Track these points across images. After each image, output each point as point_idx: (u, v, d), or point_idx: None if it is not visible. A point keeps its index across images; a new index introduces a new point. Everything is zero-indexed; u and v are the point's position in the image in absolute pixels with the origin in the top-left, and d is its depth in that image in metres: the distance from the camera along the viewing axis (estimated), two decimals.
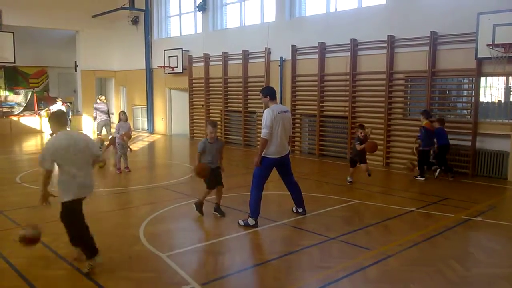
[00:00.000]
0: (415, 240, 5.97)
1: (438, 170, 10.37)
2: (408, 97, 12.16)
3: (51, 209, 7.45)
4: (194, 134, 18.71)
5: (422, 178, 10.18)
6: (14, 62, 19.92)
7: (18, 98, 23.12)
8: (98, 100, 15.40)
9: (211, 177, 6.99)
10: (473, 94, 10.60)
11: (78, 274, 4.77)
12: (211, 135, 6.97)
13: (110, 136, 11.38)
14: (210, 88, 17.68)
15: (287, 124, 6.69)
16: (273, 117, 6.48)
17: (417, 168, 10.35)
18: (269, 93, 6.77)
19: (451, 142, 10.89)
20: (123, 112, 11.12)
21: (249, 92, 15.92)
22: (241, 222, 6.56)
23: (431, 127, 10.19)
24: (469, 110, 10.93)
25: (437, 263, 5.15)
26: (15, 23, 19.39)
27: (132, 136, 12.01)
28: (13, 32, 19.37)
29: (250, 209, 6.53)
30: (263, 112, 6.69)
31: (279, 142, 6.57)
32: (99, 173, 10.91)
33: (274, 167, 6.79)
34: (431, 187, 9.58)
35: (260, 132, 6.75)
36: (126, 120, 10.98)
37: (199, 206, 7.16)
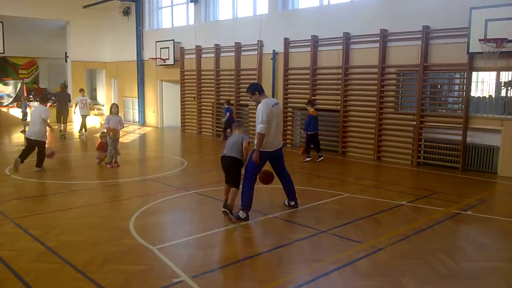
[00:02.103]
0: (405, 233, 6.00)
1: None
2: (400, 91, 12.18)
3: (41, 201, 7.41)
4: (186, 127, 18.64)
5: (309, 159, 11.65)
6: (4, 53, 19.66)
7: (7, 89, 22.86)
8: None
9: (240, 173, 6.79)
10: (464, 89, 10.65)
11: (68, 267, 4.74)
12: None
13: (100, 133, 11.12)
14: (202, 81, 17.60)
15: (280, 117, 6.72)
16: (269, 111, 6.46)
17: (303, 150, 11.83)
18: (257, 88, 6.75)
19: (442, 136, 10.99)
20: (115, 105, 10.71)
21: (241, 85, 15.85)
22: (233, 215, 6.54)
23: (316, 114, 11.78)
24: (460, 105, 10.97)
25: (427, 256, 5.18)
26: (5, 13, 19.10)
27: (123, 129, 11.78)
28: (2, 22, 19.10)
29: (242, 202, 6.52)
30: (256, 106, 6.66)
31: (274, 136, 6.58)
32: (89, 166, 10.85)
33: (267, 161, 6.78)
34: (422, 181, 9.64)
35: (252, 125, 6.71)
36: (117, 113, 10.63)
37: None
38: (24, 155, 9.77)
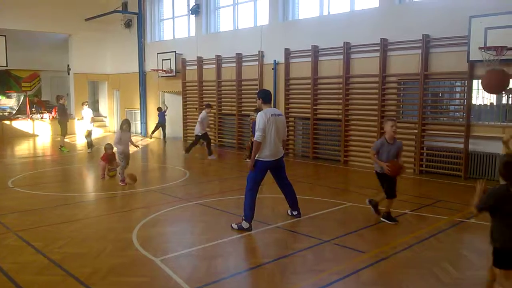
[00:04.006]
0: (408, 242, 5.99)
1: None
2: (401, 100, 12.21)
3: (44, 213, 7.42)
4: (188, 138, 18.68)
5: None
6: (6, 66, 19.79)
7: (10, 102, 22.97)
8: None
9: (391, 184, 6.79)
10: (465, 97, 10.66)
11: (71, 280, 4.74)
12: (391, 134, 6.71)
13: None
14: (204, 91, 17.67)
15: (280, 127, 6.68)
16: (266, 120, 6.48)
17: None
18: (263, 95, 6.79)
19: (444, 144, 10.99)
20: (127, 122, 10.23)
21: (242, 95, 15.92)
22: (235, 226, 6.53)
23: None
24: (462, 113, 10.98)
25: (430, 265, 5.17)
26: (7, 26, 19.27)
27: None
28: (5, 36, 19.25)
29: (244, 213, 6.52)
30: (255, 116, 6.70)
31: (273, 145, 6.56)
32: (92, 178, 10.86)
33: (269, 170, 6.79)
34: (425, 190, 9.62)
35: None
36: (129, 130, 10.15)
37: (375, 205, 7.18)
38: (189, 147, 13.88)
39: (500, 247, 3.76)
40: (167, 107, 19.13)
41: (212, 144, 17.29)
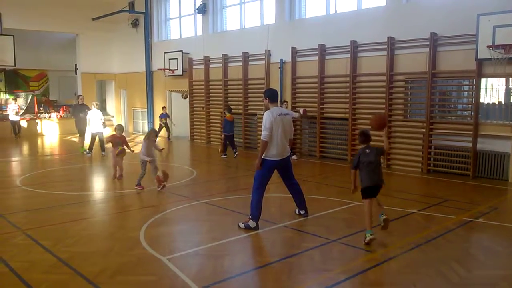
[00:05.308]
0: (416, 242, 5.96)
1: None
2: (409, 99, 12.14)
3: (52, 212, 7.47)
4: (195, 137, 18.72)
5: (225, 156, 13.81)
6: (15, 65, 19.95)
7: (18, 101, 23.15)
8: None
9: None
10: (473, 96, 10.59)
11: (79, 278, 4.77)
12: None
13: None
14: (211, 91, 17.69)
15: (287, 127, 6.67)
16: (273, 119, 6.47)
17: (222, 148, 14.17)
18: (269, 95, 6.77)
19: (452, 143, 10.95)
20: (153, 131, 9.85)
21: (249, 95, 15.92)
22: (242, 225, 6.54)
23: (231, 118, 13.81)
24: (470, 112, 10.91)
25: (438, 265, 5.14)
26: (16, 26, 19.44)
27: (135, 139, 11.74)
28: (13, 35, 19.41)
29: (251, 212, 6.52)
30: (263, 115, 6.69)
31: (280, 144, 6.56)
32: (100, 177, 10.90)
33: (276, 170, 6.78)
34: (432, 189, 9.57)
35: (260, 134, 6.73)
36: (150, 138, 9.54)
37: None
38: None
39: (364, 186, 5.92)
40: (174, 124, 19.76)
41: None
